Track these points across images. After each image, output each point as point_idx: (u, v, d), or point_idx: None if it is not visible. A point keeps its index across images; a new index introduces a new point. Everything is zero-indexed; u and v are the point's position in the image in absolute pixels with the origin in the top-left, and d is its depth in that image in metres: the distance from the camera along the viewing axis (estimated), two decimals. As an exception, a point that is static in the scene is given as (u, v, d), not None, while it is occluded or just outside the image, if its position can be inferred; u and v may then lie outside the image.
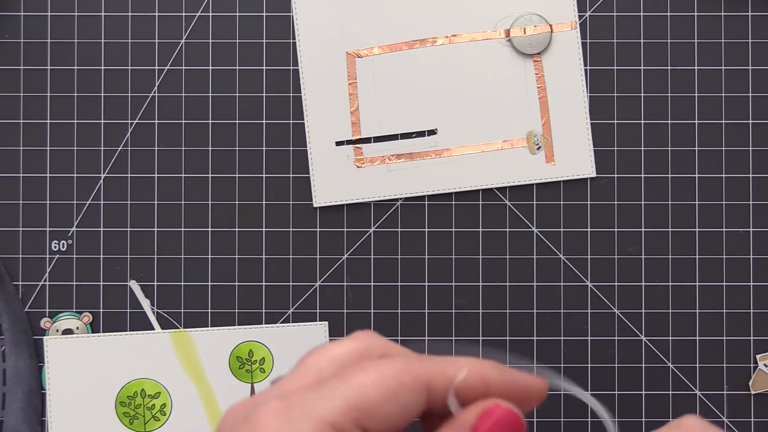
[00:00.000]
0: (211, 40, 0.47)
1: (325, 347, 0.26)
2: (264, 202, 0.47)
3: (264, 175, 0.47)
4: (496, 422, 0.24)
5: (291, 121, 0.47)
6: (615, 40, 0.47)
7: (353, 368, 0.24)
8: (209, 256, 0.47)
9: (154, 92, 0.47)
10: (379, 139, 0.47)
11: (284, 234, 0.47)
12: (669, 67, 0.47)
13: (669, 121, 0.47)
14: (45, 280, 0.47)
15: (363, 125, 0.47)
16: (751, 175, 0.47)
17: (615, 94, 0.47)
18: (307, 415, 0.23)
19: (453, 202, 0.47)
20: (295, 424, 0.23)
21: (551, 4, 0.46)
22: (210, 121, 0.47)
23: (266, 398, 0.24)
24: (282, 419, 0.23)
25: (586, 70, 0.47)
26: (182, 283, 0.47)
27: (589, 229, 0.47)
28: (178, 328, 0.47)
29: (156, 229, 0.47)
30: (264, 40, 0.47)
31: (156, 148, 0.47)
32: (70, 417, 0.46)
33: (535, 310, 0.47)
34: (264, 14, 0.47)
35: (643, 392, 0.46)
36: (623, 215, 0.47)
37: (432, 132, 0.47)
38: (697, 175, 0.47)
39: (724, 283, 0.46)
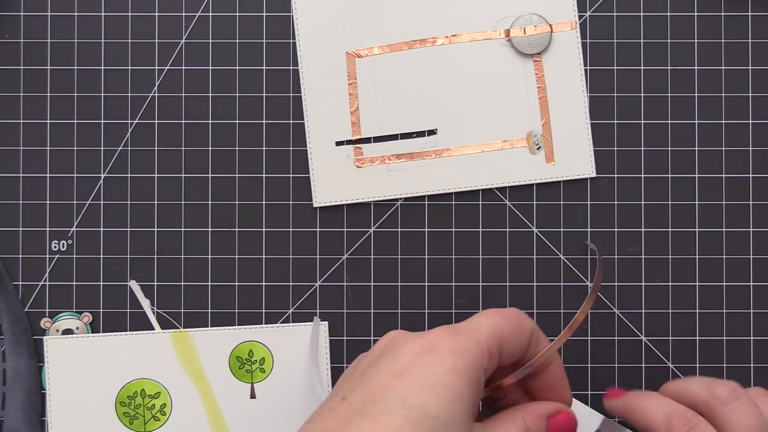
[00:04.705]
0: (211, 40, 0.47)
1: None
2: (264, 202, 0.47)
3: (264, 175, 0.47)
4: (561, 422, 0.34)
5: (291, 121, 0.47)
6: (615, 40, 0.47)
7: (485, 313, 0.33)
8: (209, 256, 0.47)
9: (154, 92, 0.47)
10: (379, 139, 0.47)
11: (284, 234, 0.47)
12: (669, 67, 0.47)
13: (669, 121, 0.47)
14: (45, 280, 0.47)
15: (363, 125, 0.47)
16: (751, 175, 0.47)
17: (615, 94, 0.47)
18: (470, 336, 0.31)
19: (453, 202, 0.47)
20: (463, 341, 0.31)
21: (551, 4, 0.46)
22: (210, 121, 0.47)
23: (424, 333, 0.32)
24: (453, 336, 0.31)
25: (586, 70, 0.47)
26: (182, 283, 0.47)
27: (589, 229, 0.47)
28: (178, 328, 0.47)
29: (156, 229, 0.47)
30: (264, 40, 0.47)
31: (156, 148, 0.47)
32: (70, 417, 0.46)
33: (535, 310, 0.46)
34: (264, 14, 0.47)
35: (643, 392, 0.46)
36: (623, 215, 0.47)
37: (432, 132, 0.47)
38: (697, 175, 0.47)
39: (724, 283, 0.46)
